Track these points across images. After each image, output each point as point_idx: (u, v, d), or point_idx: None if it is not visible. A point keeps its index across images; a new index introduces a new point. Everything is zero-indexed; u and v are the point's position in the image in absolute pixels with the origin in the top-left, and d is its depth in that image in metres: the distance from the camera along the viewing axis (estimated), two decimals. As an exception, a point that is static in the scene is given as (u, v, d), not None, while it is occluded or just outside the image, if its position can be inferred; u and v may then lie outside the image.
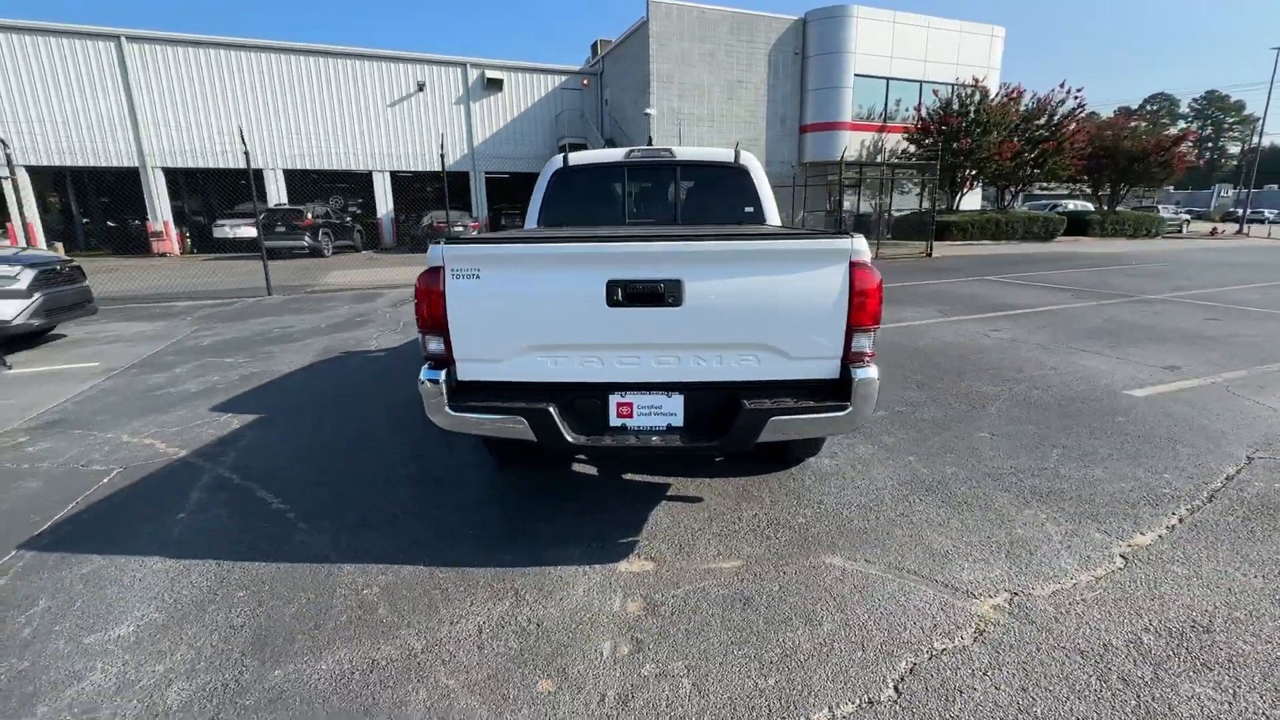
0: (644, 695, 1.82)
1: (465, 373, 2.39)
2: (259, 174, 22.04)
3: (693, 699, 1.80)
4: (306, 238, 18.94)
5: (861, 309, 2.25)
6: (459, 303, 2.27)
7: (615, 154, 3.98)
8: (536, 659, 1.97)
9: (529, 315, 2.30)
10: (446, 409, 2.32)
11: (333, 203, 26.26)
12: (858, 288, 2.22)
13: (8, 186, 19.21)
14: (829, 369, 2.34)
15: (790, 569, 2.44)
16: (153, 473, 3.45)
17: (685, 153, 3.95)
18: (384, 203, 24.02)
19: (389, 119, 23.28)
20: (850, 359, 2.32)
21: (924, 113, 23.45)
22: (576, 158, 4.00)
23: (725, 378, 2.36)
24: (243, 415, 4.39)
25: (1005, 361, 5.53)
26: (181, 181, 22.76)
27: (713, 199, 3.96)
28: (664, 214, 4.02)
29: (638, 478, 3.28)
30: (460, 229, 19.71)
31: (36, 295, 6.48)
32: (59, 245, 20.47)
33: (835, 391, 2.33)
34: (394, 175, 23.99)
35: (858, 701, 1.78)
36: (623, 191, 3.99)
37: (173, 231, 21.56)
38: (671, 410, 2.40)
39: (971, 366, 5.36)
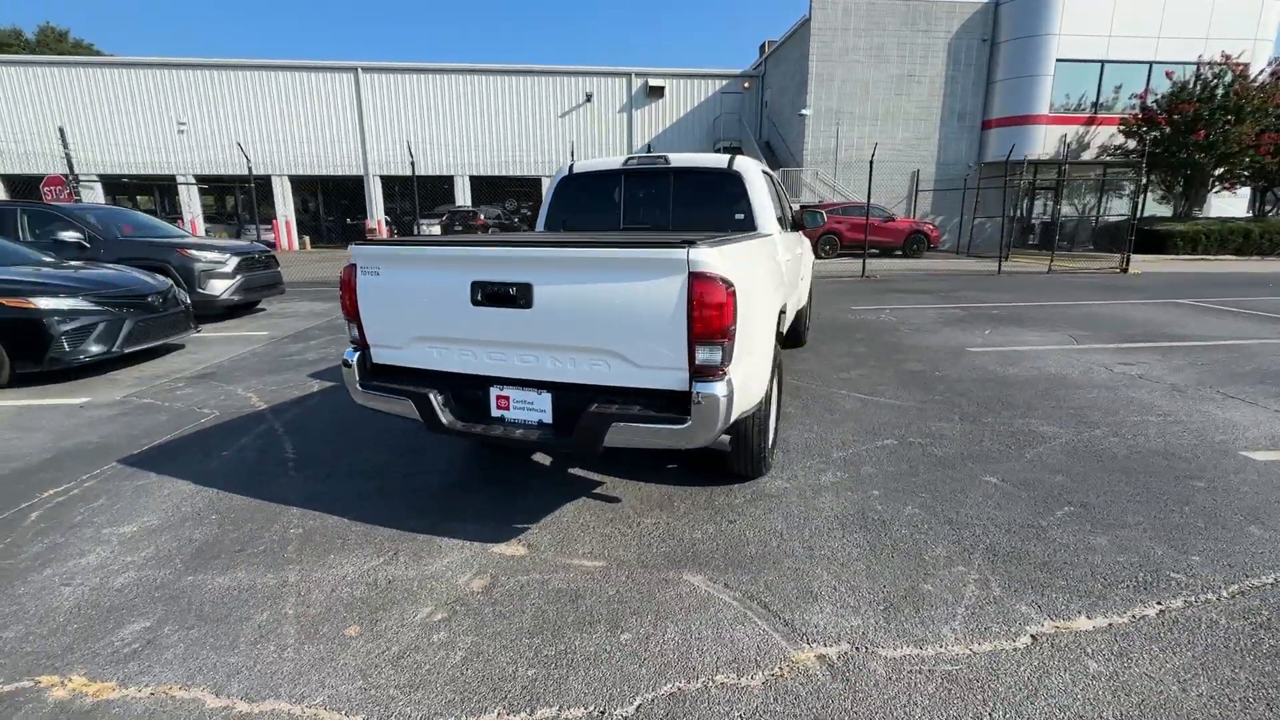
0: (417, 657, 2.01)
1: (378, 357, 2.76)
2: (450, 180, 25.48)
3: (453, 670, 1.95)
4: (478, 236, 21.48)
5: (702, 321, 2.18)
6: (366, 295, 2.64)
7: (615, 162, 4.12)
8: (364, 609, 2.26)
9: (414, 309, 2.60)
10: (358, 386, 2.71)
11: (507, 205, 29.32)
12: (698, 299, 2.16)
13: (277, 191, 24.48)
14: (674, 380, 2.30)
15: (644, 579, 2.44)
16: (235, 418, 4.39)
17: (680, 159, 3.97)
18: (549, 205, 26.18)
19: (559, 128, 25.33)
20: (695, 372, 2.26)
21: (1150, 100, 19.52)
22: (581, 166, 4.21)
23: (582, 380, 2.43)
24: (325, 382, 5.31)
25: (1101, 401, 4.61)
26: (396, 187, 27.06)
27: (704, 205, 3.92)
28: (659, 220, 4.07)
29: (582, 473, 3.42)
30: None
31: (238, 277, 8.37)
32: (305, 239, 25.63)
33: (678, 404, 2.29)
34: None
35: (590, 710, 1.79)
36: (620, 198, 4.12)
37: (384, 229, 25.75)
38: (542, 407, 2.54)
39: (1050, 403, 4.57)
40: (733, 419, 2.41)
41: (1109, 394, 4.79)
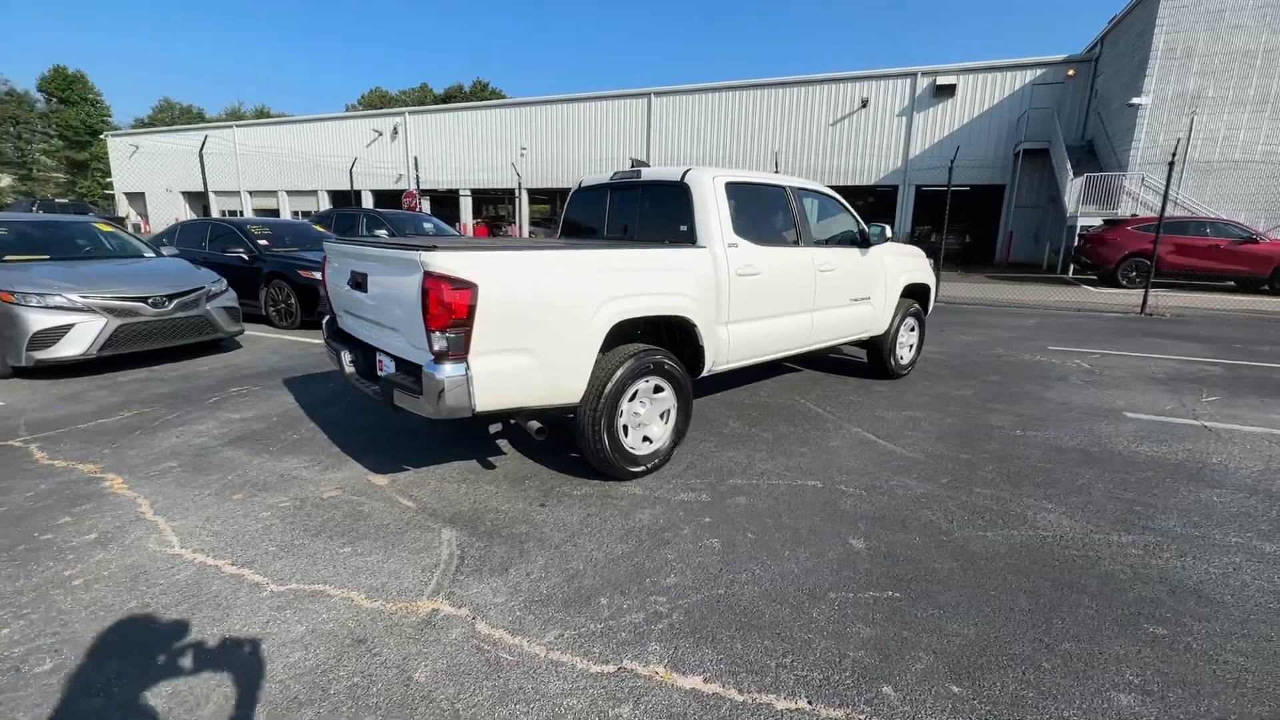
0: (247, 521, 2.98)
1: (340, 322, 3.85)
2: (716, 191, 27.05)
3: (257, 531, 2.87)
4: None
5: (433, 313, 2.64)
6: (327, 277, 3.74)
7: (605, 176, 4.50)
8: (262, 487, 3.34)
9: (336, 289, 3.58)
10: (324, 339, 3.85)
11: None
12: (430, 294, 2.63)
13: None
14: (425, 359, 2.78)
15: (418, 518, 3.00)
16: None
17: (650, 173, 4.15)
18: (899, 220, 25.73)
19: (828, 138, 24.67)
20: (435, 355, 2.72)
21: None
22: (588, 180, 4.69)
23: (398, 352, 3.09)
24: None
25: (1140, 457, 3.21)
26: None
27: (661, 217, 4.02)
28: (631, 228, 4.30)
29: (508, 448, 4.04)
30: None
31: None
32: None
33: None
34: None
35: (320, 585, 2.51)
36: (606, 209, 4.48)
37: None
38: (390, 371, 3.28)
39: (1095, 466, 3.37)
40: (484, 405, 2.80)
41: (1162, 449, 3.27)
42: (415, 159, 24.81)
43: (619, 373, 3.26)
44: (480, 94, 64.79)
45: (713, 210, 3.82)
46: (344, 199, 33.18)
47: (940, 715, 1.85)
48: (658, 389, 3.53)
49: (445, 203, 34.02)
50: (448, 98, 64.19)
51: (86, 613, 2.28)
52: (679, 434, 3.68)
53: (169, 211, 38.59)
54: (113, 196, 44.07)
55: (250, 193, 37.84)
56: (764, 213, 4.32)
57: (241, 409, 4.68)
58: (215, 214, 29.76)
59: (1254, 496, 3.36)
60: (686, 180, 3.89)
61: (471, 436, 4.16)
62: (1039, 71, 21.71)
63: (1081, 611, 2.34)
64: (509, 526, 2.97)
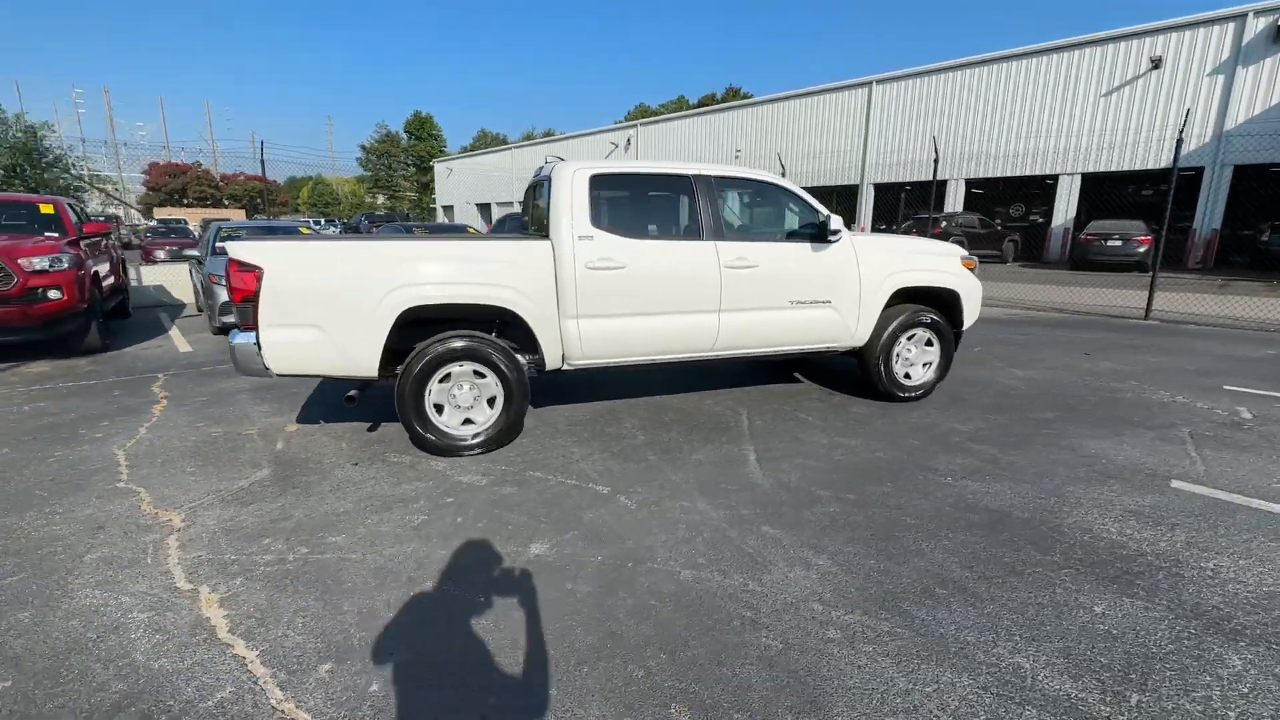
0: (216, 450, 4.10)
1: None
2: (942, 184, 23.74)
3: (185, 456, 3.96)
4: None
5: (229, 289, 3.31)
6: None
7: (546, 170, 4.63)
8: (227, 438, 4.48)
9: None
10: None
11: (1013, 210, 25.00)
12: (228, 274, 3.30)
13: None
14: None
15: (298, 449, 3.75)
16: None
17: (547, 169, 4.20)
18: (1064, 209, 20.97)
19: (1097, 110, 19.71)
20: (239, 326, 3.38)
21: None
22: (535, 177, 4.90)
23: None
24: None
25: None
26: (888, 195, 27.14)
27: (547, 209, 4.05)
28: (534, 223, 4.42)
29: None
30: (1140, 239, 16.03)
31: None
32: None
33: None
34: (1085, 177, 20.41)
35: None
36: (532, 204, 4.65)
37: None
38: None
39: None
40: (278, 368, 3.39)
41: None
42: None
43: (429, 355, 3.56)
44: (731, 99, 66.66)
45: (565, 203, 3.81)
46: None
47: None
48: (478, 374, 3.71)
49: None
50: (701, 105, 67.45)
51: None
52: (510, 420, 3.78)
53: (469, 221, 48.29)
54: (435, 210, 56.83)
55: (519, 203, 45.31)
56: (643, 204, 4.10)
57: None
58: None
59: None
60: (550, 174, 3.94)
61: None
62: None
63: None
64: (306, 465, 3.53)
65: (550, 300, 3.78)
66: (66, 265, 6.24)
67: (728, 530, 2.86)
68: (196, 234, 22.84)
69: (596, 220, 3.86)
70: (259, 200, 61.15)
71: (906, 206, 23.57)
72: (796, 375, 5.70)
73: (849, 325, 4.54)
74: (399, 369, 3.61)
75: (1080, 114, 20.09)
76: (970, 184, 23.27)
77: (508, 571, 2.54)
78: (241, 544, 2.74)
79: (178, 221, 34.81)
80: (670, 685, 1.90)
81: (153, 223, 37.04)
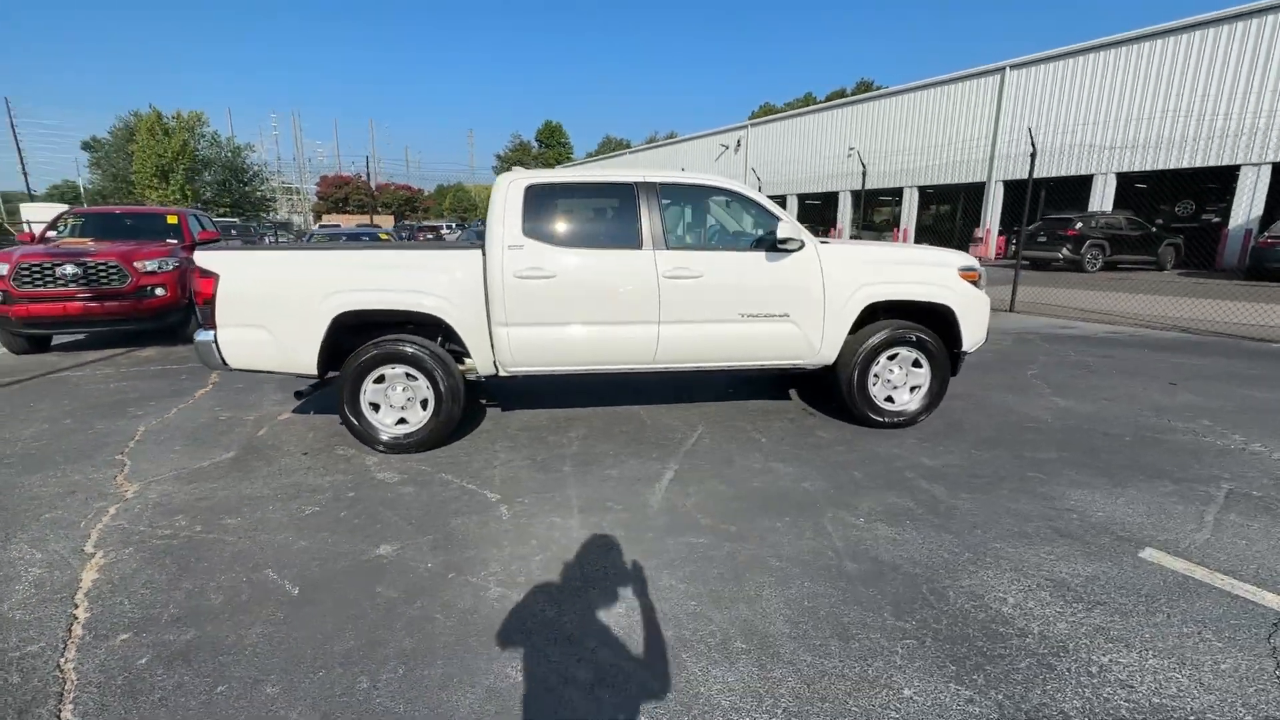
0: (203, 432, 4.75)
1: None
2: (1087, 180, 20.81)
3: (188, 438, 4.61)
4: (1065, 249, 17.35)
5: (193, 291, 3.77)
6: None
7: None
8: (230, 422, 5.11)
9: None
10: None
11: (1180, 209, 21.31)
12: (193, 280, 3.76)
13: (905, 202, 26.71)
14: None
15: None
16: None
17: None
18: (1246, 207, 17.43)
19: (1296, 87, 16.19)
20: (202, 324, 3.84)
21: None
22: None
23: None
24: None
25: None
26: (1019, 192, 24.21)
27: None
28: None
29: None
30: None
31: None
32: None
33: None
34: (1276, 168, 16.83)
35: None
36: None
37: (993, 237, 23.84)
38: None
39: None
40: (234, 363, 3.81)
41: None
42: (754, 170, 26.52)
43: (362, 357, 3.82)
44: (863, 93, 63.34)
45: (498, 213, 3.90)
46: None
47: None
48: (410, 376, 3.91)
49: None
50: (830, 100, 64.75)
51: (64, 443, 4.24)
52: (442, 421, 3.93)
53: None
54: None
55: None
56: (578, 214, 4.05)
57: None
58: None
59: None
60: (494, 187, 4.03)
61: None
62: None
63: None
64: (266, 451, 3.93)
65: (480, 308, 3.88)
66: (171, 267, 7.43)
67: (572, 552, 2.78)
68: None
69: (531, 230, 3.90)
70: (405, 208, 68.18)
71: (1046, 205, 20.93)
72: (790, 392, 5.33)
73: (811, 341, 4.17)
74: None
75: (1272, 91, 16.61)
76: (1126, 178, 20.11)
77: (338, 570, 2.66)
78: (158, 518, 3.13)
79: (334, 226, 39.87)
80: (380, 702, 1.91)
81: (315, 228, 43.13)
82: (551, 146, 79.65)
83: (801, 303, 4.10)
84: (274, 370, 3.92)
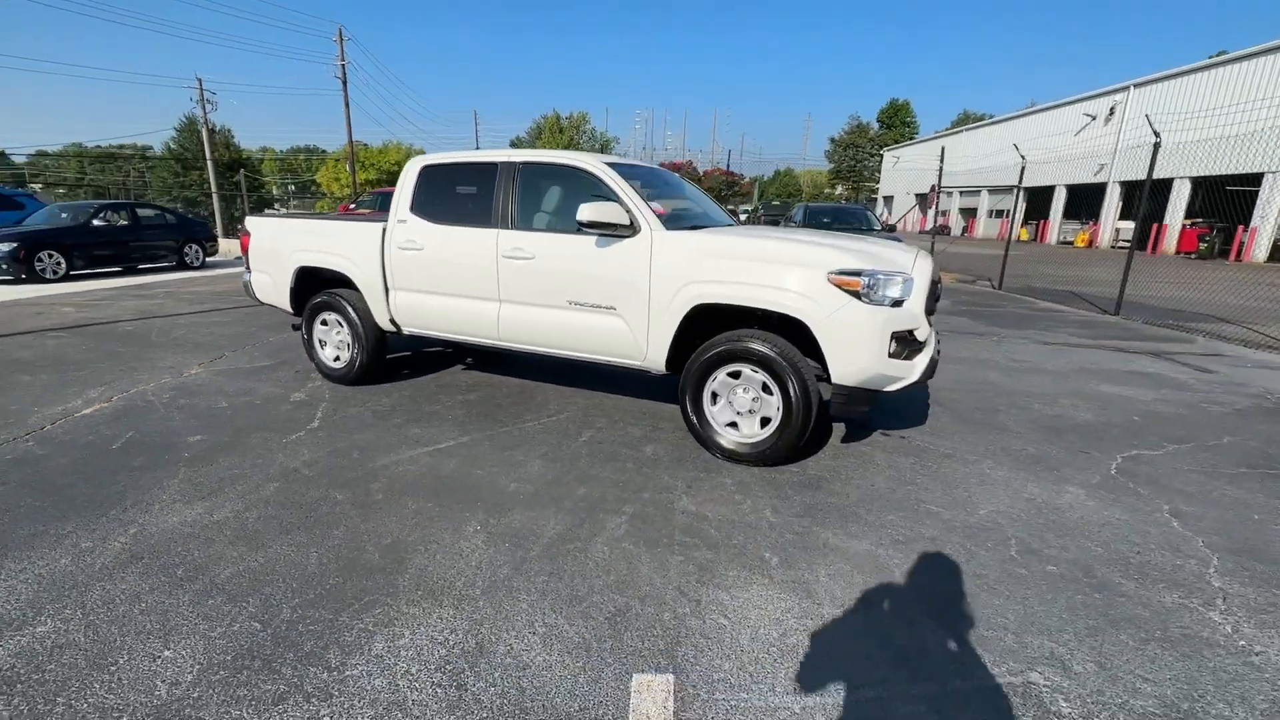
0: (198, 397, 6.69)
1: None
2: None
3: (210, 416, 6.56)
4: None
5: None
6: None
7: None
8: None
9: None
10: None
11: None
12: (242, 239, 5.34)
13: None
14: (263, 271, 5.49)
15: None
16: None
17: None
18: None
19: None
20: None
21: None
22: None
23: None
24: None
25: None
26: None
27: None
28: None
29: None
30: None
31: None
32: None
33: (261, 280, 5.51)
34: None
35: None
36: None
37: None
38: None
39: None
40: (261, 299, 5.30)
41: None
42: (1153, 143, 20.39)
43: (309, 305, 4.93)
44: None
45: (399, 191, 4.46)
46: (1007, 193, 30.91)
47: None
48: (339, 322, 4.84)
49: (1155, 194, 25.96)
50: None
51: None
52: (365, 362, 4.78)
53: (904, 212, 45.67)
54: (875, 200, 55.40)
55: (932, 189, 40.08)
56: (452, 192, 4.25)
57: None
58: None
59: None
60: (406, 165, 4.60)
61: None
62: None
63: None
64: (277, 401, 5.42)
65: (376, 273, 4.55)
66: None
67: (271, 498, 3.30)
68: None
69: (417, 207, 4.37)
70: (726, 192, 71.93)
71: None
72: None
73: (637, 341, 3.62)
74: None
75: None
76: None
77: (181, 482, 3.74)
78: (148, 409, 4.75)
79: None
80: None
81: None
82: (893, 127, 73.16)
83: (627, 296, 3.60)
84: (276, 305, 5.32)
